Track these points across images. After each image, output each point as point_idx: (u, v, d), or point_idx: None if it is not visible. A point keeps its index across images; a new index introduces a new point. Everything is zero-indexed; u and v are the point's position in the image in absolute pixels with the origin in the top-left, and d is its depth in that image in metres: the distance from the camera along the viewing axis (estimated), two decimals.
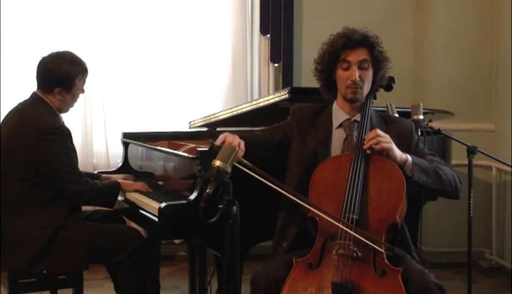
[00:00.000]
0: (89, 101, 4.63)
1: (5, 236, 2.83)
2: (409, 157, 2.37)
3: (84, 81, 3.05)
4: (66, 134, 2.91)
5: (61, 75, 2.92)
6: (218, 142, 2.30)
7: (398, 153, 2.35)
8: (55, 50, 3.02)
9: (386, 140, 2.33)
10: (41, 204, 2.86)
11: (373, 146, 2.31)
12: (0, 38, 4.52)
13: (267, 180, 2.20)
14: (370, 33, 2.48)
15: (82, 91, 3.07)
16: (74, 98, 3.03)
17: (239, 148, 2.26)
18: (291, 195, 2.25)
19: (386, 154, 2.33)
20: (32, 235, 2.81)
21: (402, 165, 2.35)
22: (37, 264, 2.80)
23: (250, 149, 2.41)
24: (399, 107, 2.79)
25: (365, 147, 2.33)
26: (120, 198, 3.18)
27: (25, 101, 3.02)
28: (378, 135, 2.32)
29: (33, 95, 3.00)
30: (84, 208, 3.12)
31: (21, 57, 4.59)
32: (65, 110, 3.05)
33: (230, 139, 2.31)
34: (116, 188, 3.08)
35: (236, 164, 2.20)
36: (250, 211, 2.34)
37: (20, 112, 2.97)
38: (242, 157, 2.28)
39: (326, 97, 2.60)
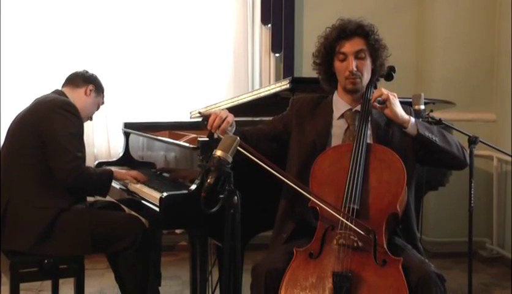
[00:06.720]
0: None
1: (10, 212, 2.86)
2: (411, 118, 2.39)
3: (101, 98, 3.26)
4: (81, 121, 3.01)
5: (96, 79, 3.21)
6: (205, 112, 2.39)
7: (401, 110, 2.38)
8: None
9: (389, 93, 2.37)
10: (48, 184, 2.87)
11: (379, 98, 2.35)
12: (1, 39, 4.52)
13: (258, 158, 2.18)
14: (365, 22, 2.46)
15: (98, 106, 3.26)
16: (95, 104, 3.20)
17: (224, 122, 2.32)
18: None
19: (389, 107, 2.35)
20: (37, 214, 2.83)
21: (405, 122, 2.37)
22: (39, 245, 2.82)
23: (252, 141, 2.41)
24: (400, 97, 2.79)
25: (372, 101, 2.38)
26: (120, 187, 3.19)
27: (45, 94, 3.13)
28: (382, 91, 2.36)
29: (56, 90, 3.13)
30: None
31: (21, 54, 4.62)
32: (84, 112, 3.09)
33: (217, 111, 2.36)
34: (108, 175, 3.04)
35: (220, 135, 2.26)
36: (251, 201, 2.34)
37: (40, 98, 3.08)
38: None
39: (327, 89, 2.60)
